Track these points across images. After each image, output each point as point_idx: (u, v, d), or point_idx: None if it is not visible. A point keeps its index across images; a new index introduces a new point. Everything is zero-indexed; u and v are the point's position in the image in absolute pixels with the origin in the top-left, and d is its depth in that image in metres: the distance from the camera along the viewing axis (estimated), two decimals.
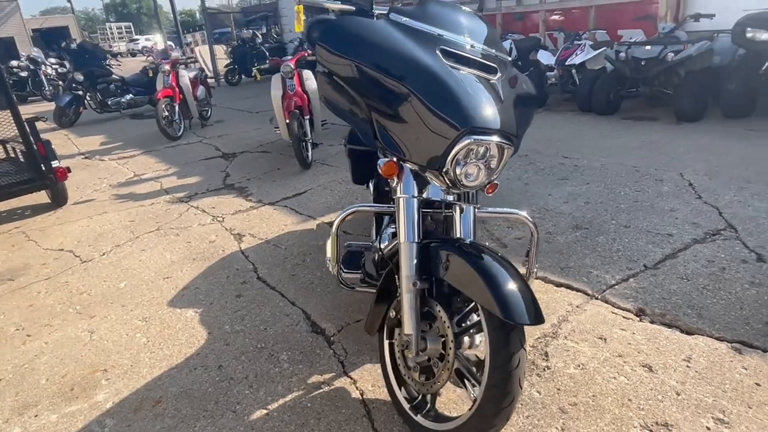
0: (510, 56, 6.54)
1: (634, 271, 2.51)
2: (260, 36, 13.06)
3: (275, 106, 4.93)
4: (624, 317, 2.18)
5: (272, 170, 4.94)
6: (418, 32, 1.62)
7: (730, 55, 5.18)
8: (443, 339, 1.56)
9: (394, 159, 1.62)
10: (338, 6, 1.65)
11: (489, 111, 1.48)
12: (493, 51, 1.71)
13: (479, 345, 1.56)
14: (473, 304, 1.53)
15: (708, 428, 1.60)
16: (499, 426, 1.42)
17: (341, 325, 2.33)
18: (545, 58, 6.22)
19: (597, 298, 2.33)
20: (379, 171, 1.62)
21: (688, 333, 2.04)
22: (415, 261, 1.57)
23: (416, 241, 1.58)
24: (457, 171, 1.51)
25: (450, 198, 1.68)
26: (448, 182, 1.55)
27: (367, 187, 3.07)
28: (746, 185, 3.38)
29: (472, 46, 1.66)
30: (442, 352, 1.57)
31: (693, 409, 1.68)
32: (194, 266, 3.06)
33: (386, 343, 1.81)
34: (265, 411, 1.86)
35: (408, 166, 1.63)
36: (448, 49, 1.60)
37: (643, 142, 4.64)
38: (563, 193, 3.61)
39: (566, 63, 5.87)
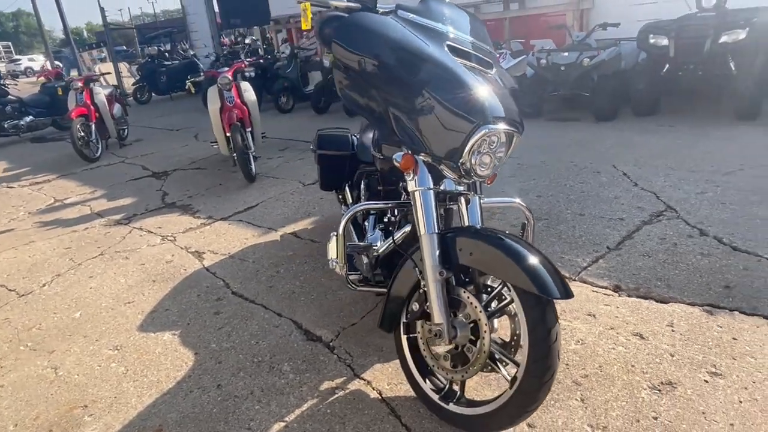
0: None
1: (600, 253, 2.71)
2: (166, 52, 12.49)
3: (213, 119, 4.75)
4: (605, 294, 2.34)
5: (214, 186, 4.74)
6: (425, 29, 1.66)
7: (633, 59, 5.76)
8: (471, 324, 1.60)
9: (410, 152, 1.64)
10: (344, 4, 1.65)
11: (500, 102, 1.56)
12: (487, 47, 1.81)
13: (497, 328, 1.63)
14: (499, 286, 1.58)
15: (706, 381, 1.77)
16: (542, 400, 1.47)
17: (337, 330, 2.29)
18: (506, 64, 6.53)
19: (575, 280, 2.49)
20: (396, 165, 1.64)
21: (663, 302, 2.24)
22: (438, 251, 1.59)
23: (437, 231, 1.61)
24: (473, 161, 1.56)
25: (461, 188, 1.73)
26: (462, 172, 1.60)
27: (337, 192, 3.06)
28: (671, 172, 3.77)
29: (472, 42, 1.74)
30: (472, 337, 1.60)
31: (689, 366, 1.84)
32: (156, 288, 2.86)
33: (404, 338, 1.82)
34: (282, 423, 1.78)
35: (422, 158, 1.66)
36: (454, 45, 1.67)
37: (572, 140, 5.02)
38: (515, 189, 3.81)
39: None
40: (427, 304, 1.64)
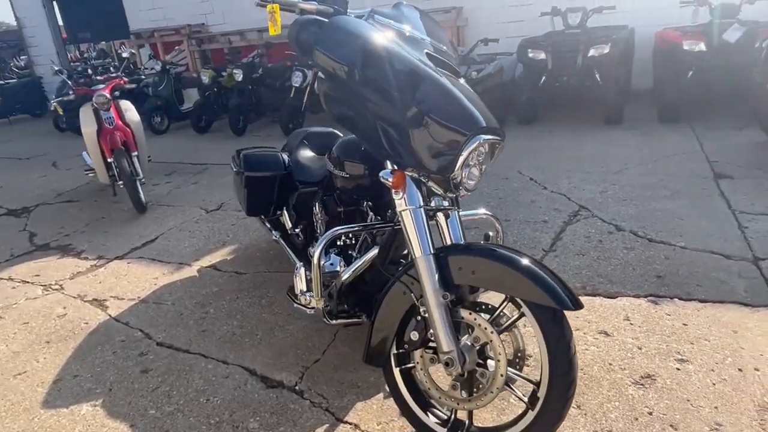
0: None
1: (538, 256, 2.80)
2: None
3: (89, 143, 4.12)
4: None
5: (96, 220, 4.10)
6: (404, 36, 1.56)
7: (511, 72, 6.19)
8: (477, 347, 1.50)
9: (400, 169, 1.51)
10: (314, 6, 1.47)
11: (484, 111, 1.50)
12: (453, 55, 1.75)
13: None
14: (504, 303, 1.50)
15: (678, 369, 1.87)
16: (565, 416, 1.42)
17: (300, 371, 2.05)
18: None
19: None
20: (387, 184, 1.50)
21: (612, 297, 2.35)
22: (436, 274, 1.48)
23: (432, 252, 1.50)
24: (464, 174, 1.49)
25: (446, 204, 1.64)
26: (451, 186, 1.52)
27: (264, 218, 2.80)
28: (570, 174, 4.08)
29: (444, 50, 1.67)
30: (480, 361, 1.51)
31: (658, 357, 1.94)
32: (53, 351, 2.35)
33: (396, 372, 1.66)
34: None
35: (410, 175, 1.53)
36: (431, 53, 1.58)
37: None
38: None
39: None
40: (430, 331, 1.51)
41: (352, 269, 1.89)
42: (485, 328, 1.47)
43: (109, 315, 2.61)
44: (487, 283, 1.46)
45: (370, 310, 1.94)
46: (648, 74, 6.24)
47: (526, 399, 1.47)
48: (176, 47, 8.98)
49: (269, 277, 2.87)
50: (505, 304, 1.50)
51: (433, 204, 1.58)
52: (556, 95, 5.65)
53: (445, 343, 1.46)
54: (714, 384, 1.78)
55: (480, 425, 1.60)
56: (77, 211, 4.40)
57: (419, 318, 1.56)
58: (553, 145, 4.94)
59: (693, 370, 1.85)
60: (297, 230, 2.50)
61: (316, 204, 2.11)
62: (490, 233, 2.01)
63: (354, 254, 2.04)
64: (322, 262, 2.04)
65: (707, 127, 5.00)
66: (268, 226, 2.80)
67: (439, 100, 1.44)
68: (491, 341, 1.46)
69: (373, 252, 1.88)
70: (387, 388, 1.89)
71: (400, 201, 1.53)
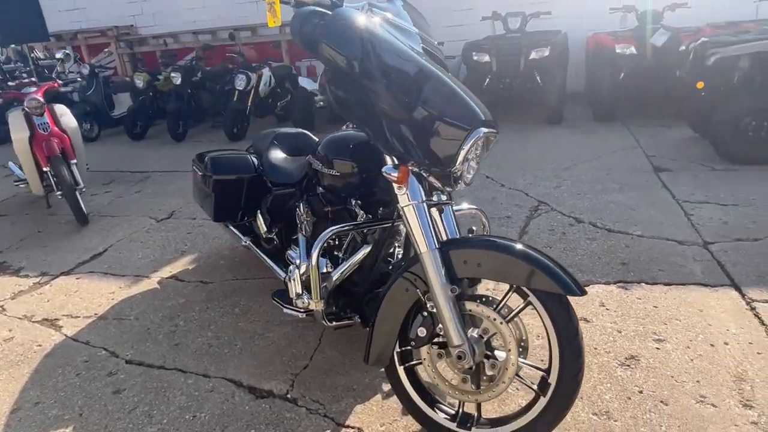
0: (270, 84, 6.59)
1: None
2: None
3: (20, 151, 3.78)
4: None
5: (31, 235, 3.76)
6: (401, 29, 1.54)
7: (454, 74, 6.34)
8: (484, 339, 1.52)
9: (404, 164, 1.49)
10: None
11: (480, 105, 1.52)
12: (440, 49, 1.77)
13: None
14: (509, 293, 1.52)
15: (657, 348, 1.97)
16: (576, 397, 1.46)
17: (290, 379, 1.98)
18: (309, 84, 6.44)
19: None
20: (392, 179, 1.48)
21: (585, 285, 2.43)
22: (443, 268, 1.48)
23: (437, 247, 1.49)
24: (464, 167, 1.50)
25: (444, 198, 1.65)
26: (452, 180, 1.53)
27: (231, 223, 2.68)
28: (524, 172, 4.22)
29: (434, 44, 1.68)
30: (488, 353, 1.52)
31: (637, 338, 2.04)
32: (4, 378, 2.12)
33: (401, 370, 1.64)
34: None
35: (412, 170, 1.52)
36: (425, 46, 1.58)
37: None
38: None
39: None
40: (439, 326, 1.51)
41: (344, 269, 1.85)
42: (494, 319, 1.48)
43: (65, 335, 2.40)
44: (494, 274, 1.47)
45: (361, 311, 1.92)
46: (580, 77, 6.61)
47: (535, 387, 1.49)
48: (105, 49, 8.45)
49: (238, 285, 2.75)
50: (510, 294, 1.52)
51: (435, 199, 1.58)
52: (500, 97, 5.84)
53: (456, 336, 1.46)
54: (692, 360, 1.89)
55: (489, 417, 1.60)
56: (8, 225, 4.01)
57: (425, 314, 1.54)
58: (503, 145, 5.09)
59: (671, 349, 1.96)
60: (272, 234, 2.41)
61: (300, 205, 2.04)
62: (474, 228, 2.05)
63: (340, 255, 2.00)
64: (312, 264, 1.98)
65: (640, 125, 5.35)
66: (236, 232, 2.68)
67: (441, 95, 1.45)
68: (500, 332, 1.48)
69: (364, 251, 1.86)
70: (384, 389, 1.87)
71: (402, 196, 1.51)
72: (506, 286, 1.51)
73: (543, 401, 1.46)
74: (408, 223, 1.51)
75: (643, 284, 2.42)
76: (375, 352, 1.62)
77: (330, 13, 1.44)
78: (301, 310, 1.88)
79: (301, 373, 2.01)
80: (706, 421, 1.62)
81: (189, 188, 4.55)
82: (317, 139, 2.66)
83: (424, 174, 1.54)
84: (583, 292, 1.39)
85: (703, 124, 4.39)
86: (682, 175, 3.83)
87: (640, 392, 1.76)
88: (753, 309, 2.16)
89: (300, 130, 2.65)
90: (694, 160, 4.14)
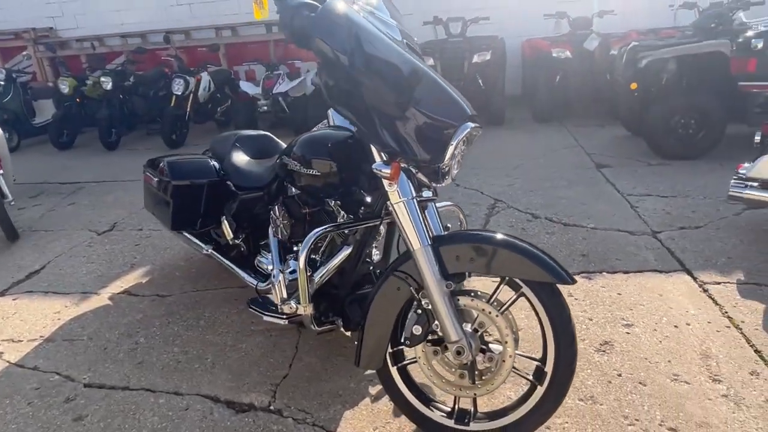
0: (209, 89, 6.35)
1: None
2: None
3: None
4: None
5: None
6: (384, 22, 1.52)
7: None
8: (478, 333, 1.52)
9: (396, 160, 1.47)
10: None
11: (464, 100, 1.54)
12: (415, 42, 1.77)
13: None
14: (500, 285, 1.54)
15: (628, 333, 2.07)
16: (570, 385, 1.49)
17: (270, 390, 1.89)
18: (250, 88, 6.26)
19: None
20: (383, 175, 1.45)
21: None
22: (436, 264, 1.47)
23: (430, 243, 1.48)
24: (452, 162, 1.51)
25: (430, 194, 1.64)
26: (440, 176, 1.53)
27: (190, 231, 2.55)
28: (476, 171, 4.32)
29: (413, 39, 1.67)
30: (483, 347, 1.53)
31: (608, 325, 2.13)
32: None
33: (394, 370, 1.61)
34: None
35: (402, 166, 1.50)
36: (406, 40, 1.58)
37: None
38: None
39: (273, 92, 6.07)
40: (435, 323, 1.49)
41: (324, 272, 1.80)
42: (489, 312, 1.49)
43: (8, 361, 2.17)
44: (488, 268, 1.48)
45: (343, 314, 1.87)
46: (516, 80, 6.88)
47: (530, 377, 1.51)
48: (23, 53, 7.82)
49: (199, 296, 2.61)
50: (501, 287, 1.53)
51: (424, 195, 1.57)
52: None
53: (454, 332, 1.45)
54: (660, 341, 2.00)
55: (485, 410, 1.61)
56: None
57: (419, 311, 1.52)
58: None
59: (640, 332, 2.06)
60: (238, 240, 2.31)
61: (276, 207, 1.96)
62: (449, 225, 2.06)
63: (317, 257, 1.95)
64: (288, 270, 1.92)
65: (576, 125, 5.63)
66: (196, 240, 2.54)
67: (429, 90, 1.44)
68: (497, 325, 1.49)
69: (345, 252, 1.81)
70: (372, 392, 1.84)
71: (393, 193, 1.49)
72: (489, 281, 1.52)
73: (540, 390, 1.48)
74: (399, 220, 1.49)
75: (605, 273, 2.53)
76: (367, 354, 1.58)
77: (319, 5, 1.39)
78: (284, 317, 1.80)
79: (282, 382, 1.93)
80: (683, 397, 1.71)
81: (129, 198, 4.31)
82: (280, 141, 2.59)
83: (413, 170, 1.53)
84: (574, 281, 1.43)
85: (635, 123, 4.70)
86: (621, 170, 4.07)
87: (619, 375, 1.83)
88: (706, 291, 2.32)
89: (262, 132, 2.56)
90: (630, 156, 4.41)
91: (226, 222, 2.31)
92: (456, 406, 1.59)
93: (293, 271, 1.94)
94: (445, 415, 1.59)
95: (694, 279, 2.42)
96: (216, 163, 2.43)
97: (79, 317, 2.49)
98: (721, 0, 4.45)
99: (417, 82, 1.44)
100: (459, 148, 1.50)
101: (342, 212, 1.82)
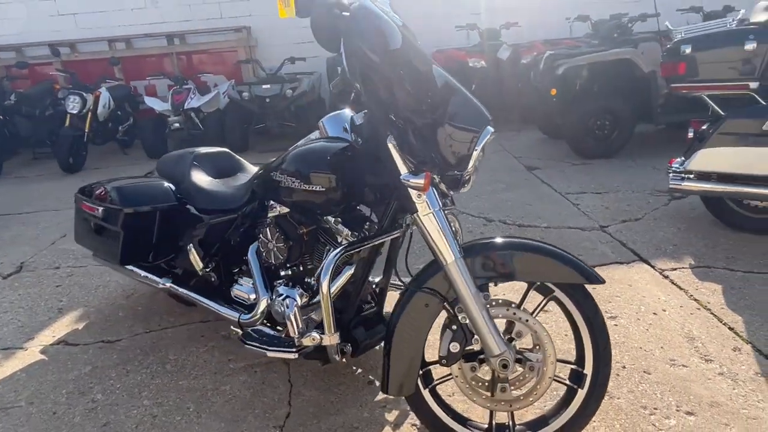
0: (109, 106, 5.77)
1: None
2: None
3: None
4: None
5: None
6: (406, 26, 1.44)
7: (315, 88, 6.24)
8: (512, 343, 1.48)
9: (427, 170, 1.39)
10: None
11: (481, 104, 1.52)
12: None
13: None
14: (529, 290, 1.51)
15: (615, 325, 2.14)
16: (608, 384, 1.49)
17: (277, 425, 1.70)
18: (157, 104, 5.77)
19: None
20: (415, 186, 1.36)
21: None
22: (470, 276, 1.41)
23: (462, 255, 1.42)
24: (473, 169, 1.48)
25: (447, 203, 1.58)
26: (461, 183, 1.49)
27: (141, 265, 2.25)
28: None
29: (418, 42, 1.61)
30: (519, 356, 1.48)
31: None
32: None
33: (426, 393, 1.52)
34: None
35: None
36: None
37: None
38: None
39: (185, 107, 5.65)
40: (474, 337, 1.42)
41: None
42: (526, 321, 1.46)
43: None
44: (519, 274, 1.44)
45: (352, 339, 1.73)
46: None
47: (568, 381, 1.50)
48: None
49: (156, 337, 2.30)
50: (529, 292, 1.51)
51: (448, 203, 1.50)
52: (363, 110, 5.93)
53: (495, 345, 1.40)
54: (647, 330, 2.10)
55: (522, 422, 1.56)
56: None
57: (454, 327, 1.45)
58: None
59: (626, 323, 2.15)
60: (208, 269, 2.07)
61: (266, 230, 1.76)
62: None
63: (312, 282, 1.79)
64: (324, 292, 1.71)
65: (495, 131, 5.88)
66: (149, 274, 2.24)
67: (454, 97, 1.41)
68: (536, 332, 1.45)
69: (347, 273, 1.69)
70: (389, 419, 1.72)
71: (422, 204, 1.40)
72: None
73: (582, 393, 1.47)
74: (428, 232, 1.41)
75: None
76: (396, 380, 1.47)
77: (351, 6, 1.28)
78: (293, 350, 1.62)
79: (287, 423, 1.74)
80: (687, 380, 1.80)
81: (32, 233, 3.75)
82: (240, 159, 2.38)
83: (436, 179, 1.45)
84: (603, 280, 1.44)
85: (552, 127, 5.01)
86: (550, 171, 4.30)
87: (624, 367, 1.89)
88: (667, 277, 2.49)
89: (221, 149, 2.33)
90: (553, 158, 4.68)
91: (193, 251, 2.05)
92: (492, 422, 1.53)
93: (285, 297, 1.77)
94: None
95: (653, 267, 2.59)
96: (171, 186, 2.16)
97: (8, 380, 2.07)
98: (619, 12, 4.92)
99: (444, 88, 1.39)
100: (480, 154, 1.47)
101: (345, 230, 1.69)
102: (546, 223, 3.21)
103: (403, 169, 1.41)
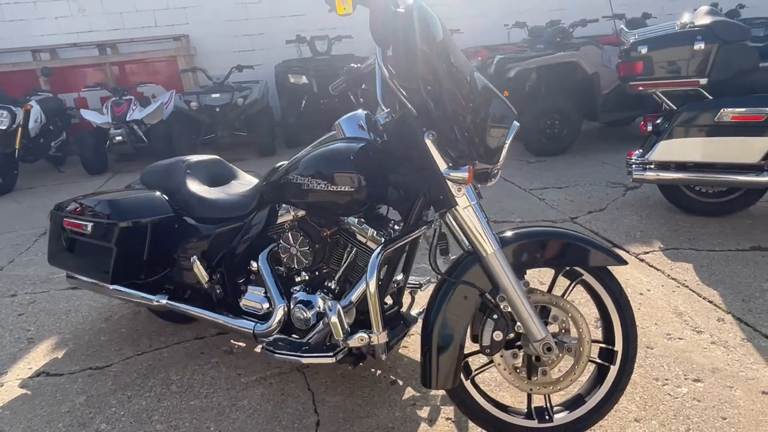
0: (41, 121, 5.36)
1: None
2: None
3: None
4: None
5: None
6: None
7: (261, 97, 6.11)
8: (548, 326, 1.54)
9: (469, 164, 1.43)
10: None
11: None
12: None
13: None
14: (556, 277, 1.58)
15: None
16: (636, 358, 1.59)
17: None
18: (96, 117, 5.41)
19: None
20: (459, 179, 1.39)
21: None
22: (509, 265, 1.46)
23: (500, 246, 1.46)
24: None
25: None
26: (490, 177, 1.55)
27: (132, 283, 2.13)
28: None
29: None
30: (555, 339, 1.54)
31: (590, 303, 2.31)
32: None
33: (468, 384, 1.54)
34: None
35: None
36: None
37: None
38: None
39: (128, 119, 5.35)
40: (517, 325, 1.47)
41: (355, 296, 1.65)
42: (562, 305, 1.52)
43: None
44: (553, 260, 1.52)
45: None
46: None
47: (598, 359, 1.58)
48: None
49: (151, 358, 2.17)
50: (558, 277, 1.58)
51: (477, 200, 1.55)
52: (322, 116, 5.89)
53: (537, 331, 1.45)
54: (638, 309, 2.24)
55: (558, 403, 1.62)
56: None
57: (495, 316, 1.49)
58: None
59: None
60: (213, 281, 1.98)
61: (288, 235, 1.72)
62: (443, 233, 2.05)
63: (333, 285, 1.77)
64: (371, 291, 1.66)
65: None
66: (140, 293, 2.11)
67: (486, 93, 1.44)
68: (572, 315, 1.52)
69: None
70: (422, 415, 1.73)
71: (462, 198, 1.44)
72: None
73: (614, 369, 1.55)
74: (467, 225, 1.45)
75: None
76: (441, 374, 1.48)
77: (405, 4, 1.30)
78: (331, 355, 1.59)
79: (318, 431, 1.70)
80: (686, 351, 1.94)
81: None
82: (232, 165, 2.31)
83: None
84: (626, 262, 1.55)
85: None
86: (511, 170, 4.48)
87: None
88: (642, 261, 2.67)
89: (213, 156, 2.24)
90: (510, 156, 4.87)
91: (198, 263, 1.95)
92: (531, 406, 1.58)
93: (307, 303, 1.75)
94: (523, 416, 1.56)
95: (627, 252, 2.77)
96: (164, 196, 2.05)
97: None
98: (558, 19, 5.22)
99: (479, 82, 1.43)
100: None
101: (370, 229, 1.69)
102: (520, 218, 3.35)
103: (442, 165, 1.43)
